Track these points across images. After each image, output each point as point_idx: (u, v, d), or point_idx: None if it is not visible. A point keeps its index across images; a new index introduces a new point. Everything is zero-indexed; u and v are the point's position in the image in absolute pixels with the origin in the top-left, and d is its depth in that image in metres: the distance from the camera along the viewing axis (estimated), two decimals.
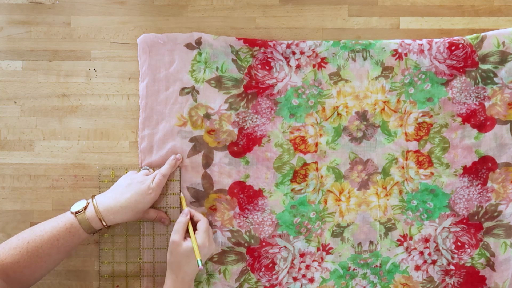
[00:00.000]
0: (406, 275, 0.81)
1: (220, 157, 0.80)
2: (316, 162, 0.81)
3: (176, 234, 0.73)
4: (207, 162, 0.81)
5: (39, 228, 0.70)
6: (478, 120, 0.80)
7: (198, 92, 0.81)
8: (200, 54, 0.80)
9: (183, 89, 0.81)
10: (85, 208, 0.72)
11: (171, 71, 0.81)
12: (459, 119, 0.80)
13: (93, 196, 0.74)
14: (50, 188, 0.81)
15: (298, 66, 0.81)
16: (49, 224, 0.70)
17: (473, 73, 0.80)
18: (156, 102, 0.81)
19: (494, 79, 0.79)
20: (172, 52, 0.81)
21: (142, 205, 0.75)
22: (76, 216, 0.71)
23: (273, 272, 0.81)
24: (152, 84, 0.81)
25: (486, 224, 0.80)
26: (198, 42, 0.80)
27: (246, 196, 0.81)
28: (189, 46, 0.81)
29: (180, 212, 0.78)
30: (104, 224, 0.72)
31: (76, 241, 0.71)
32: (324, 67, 0.81)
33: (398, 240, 0.81)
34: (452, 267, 0.80)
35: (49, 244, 0.69)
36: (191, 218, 0.76)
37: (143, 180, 0.76)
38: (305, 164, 0.81)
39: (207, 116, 0.81)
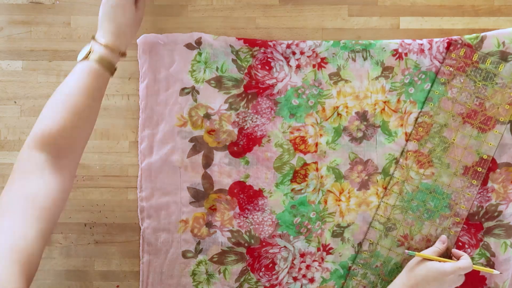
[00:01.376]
0: None
1: (220, 157, 0.80)
2: (316, 162, 0.81)
3: None
4: (207, 162, 0.81)
5: (63, 88, 0.66)
6: (478, 119, 0.80)
7: (198, 92, 0.81)
8: (200, 54, 0.80)
9: (183, 89, 0.81)
10: (91, 49, 0.68)
11: (171, 71, 0.81)
12: (460, 118, 0.80)
13: (92, 37, 0.70)
14: None
15: (298, 66, 0.81)
16: (71, 80, 0.66)
17: (473, 73, 0.80)
18: (156, 103, 0.81)
19: (495, 78, 0.79)
20: (172, 52, 0.81)
21: (128, 8, 0.70)
22: (88, 59, 0.67)
23: (273, 272, 0.81)
24: (152, 84, 0.80)
25: (486, 224, 0.80)
26: (198, 42, 0.80)
27: (246, 196, 0.81)
28: (189, 46, 0.81)
29: None
30: (116, 51, 0.69)
31: (102, 83, 0.68)
32: (324, 67, 0.81)
33: (399, 240, 0.81)
34: None
35: (83, 96, 0.65)
36: None
37: None
38: (305, 164, 0.81)
39: (207, 116, 0.81)
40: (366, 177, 0.81)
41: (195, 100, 0.81)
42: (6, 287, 0.50)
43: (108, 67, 0.68)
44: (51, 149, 0.62)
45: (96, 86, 0.67)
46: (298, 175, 0.81)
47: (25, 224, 0.56)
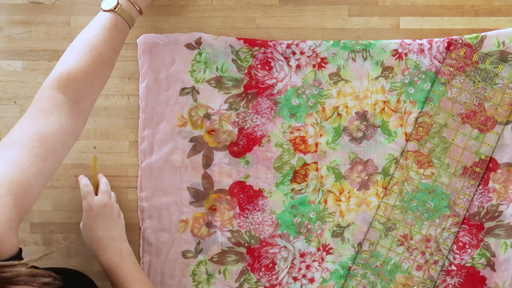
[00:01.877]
0: (407, 275, 0.81)
1: (220, 157, 0.80)
2: (316, 162, 0.81)
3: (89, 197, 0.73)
4: (207, 162, 0.80)
5: (89, 35, 0.67)
6: (478, 120, 0.80)
7: (198, 92, 0.81)
8: (200, 54, 0.80)
9: (183, 89, 0.81)
10: (118, 3, 0.69)
11: (171, 71, 0.81)
12: (459, 119, 0.80)
13: None
14: (50, 188, 0.81)
15: (298, 66, 0.81)
16: (97, 28, 0.67)
17: (473, 73, 0.80)
18: (156, 103, 0.81)
19: (494, 79, 0.79)
20: (172, 52, 0.81)
21: None
22: (116, 11, 0.68)
23: (273, 272, 0.81)
24: (152, 84, 0.80)
25: (487, 225, 0.80)
26: (198, 42, 0.80)
27: (246, 196, 0.81)
28: (189, 46, 0.81)
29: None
30: (137, 8, 0.70)
31: (124, 37, 0.70)
32: (324, 67, 0.81)
33: (399, 240, 0.81)
34: (453, 267, 0.80)
35: (108, 47, 0.66)
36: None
37: None
38: (305, 164, 0.81)
39: (207, 116, 0.81)
40: (366, 177, 0.81)
41: (195, 100, 0.81)
42: None
43: (131, 22, 0.70)
44: (72, 93, 0.63)
45: (120, 39, 0.69)
46: (298, 175, 0.81)
47: (30, 160, 0.57)
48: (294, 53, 0.80)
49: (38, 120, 0.60)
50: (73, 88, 0.63)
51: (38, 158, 0.57)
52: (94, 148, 0.81)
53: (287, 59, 0.81)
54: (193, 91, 0.81)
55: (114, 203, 0.76)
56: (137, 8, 0.70)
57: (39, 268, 0.51)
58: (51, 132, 0.60)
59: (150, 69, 0.80)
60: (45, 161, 0.58)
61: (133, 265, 0.72)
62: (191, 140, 0.80)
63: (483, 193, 0.80)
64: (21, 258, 0.55)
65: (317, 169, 0.81)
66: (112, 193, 0.77)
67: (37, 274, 0.50)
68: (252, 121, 0.81)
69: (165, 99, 0.80)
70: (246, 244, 0.81)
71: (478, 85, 0.80)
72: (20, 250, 0.55)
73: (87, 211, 0.73)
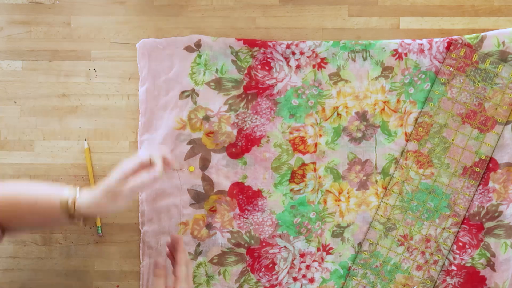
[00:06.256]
0: (407, 275, 0.80)
1: (218, 159, 0.80)
2: (314, 163, 0.81)
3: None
4: (204, 164, 0.80)
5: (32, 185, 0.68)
6: (478, 120, 0.80)
7: (197, 95, 0.80)
8: (199, 56, 0.80)
9: (183, 92, 0.80)
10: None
11: (171, 75, 0.80)
12: (459, 119, 0.80)
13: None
14: None
15: (298, 67, 0.81)
16: (42, 188, 0.67)
17: (473, 73, 0.80)
18: (156, 107, 0.80)
19: (494, 79, 0.79)
20: (171, 56, 0.80)
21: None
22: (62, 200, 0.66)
23: (273, 273, 0.81)
24: (152, 89, 0.80)
25: (487, 225, 0.80)
26: (198, 45, 0.80)
27: (245, 197, 0.81)
28: (188, 48, 0.80)
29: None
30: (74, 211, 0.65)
31: (52, 214, 0.65)
32: (324, 68, 0.81)
33: (399, 240, 0.80)
34: (453, 267, 0.80)
35: (26, 202, 0.65)
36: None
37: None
38: (303, 164, 0.81)
39: (206, 118, 0.80)
40: (365, 177, 0.81)
41: (195, 103, 0.80)
42: None
43: (64, 211, 0.65)
44: None
45: (46, 209, 0.66)
46: (296, 175, 0.81)
47: None
48: (294, 53, 0.80)
49: None
50: None
51: None
52: (85, 140, 0.81)
53: (287, 59, 0.80)
54: (193, 93, 0.80)
55: None
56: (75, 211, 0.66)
57: None
58: None
59: (150, 74, 0.80)
60: None
61: None
62: (189, 143, 0.80)
63: (483, 193, 0.80)
64: None
65: (314, 170, 0.81)
66: None
67: None
68: (252, 122, 0.81)
69: (165, 103, 0.80)
70: (246, 245, 0.81)
71: (478, 85, 0.80)
72: None
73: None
